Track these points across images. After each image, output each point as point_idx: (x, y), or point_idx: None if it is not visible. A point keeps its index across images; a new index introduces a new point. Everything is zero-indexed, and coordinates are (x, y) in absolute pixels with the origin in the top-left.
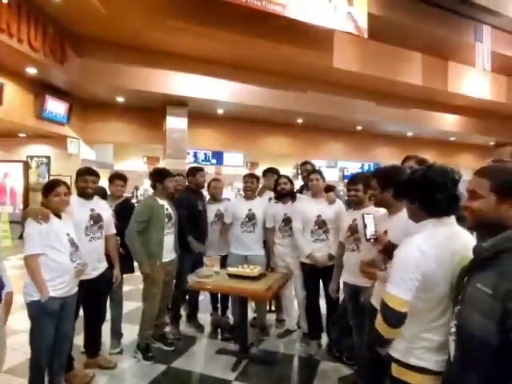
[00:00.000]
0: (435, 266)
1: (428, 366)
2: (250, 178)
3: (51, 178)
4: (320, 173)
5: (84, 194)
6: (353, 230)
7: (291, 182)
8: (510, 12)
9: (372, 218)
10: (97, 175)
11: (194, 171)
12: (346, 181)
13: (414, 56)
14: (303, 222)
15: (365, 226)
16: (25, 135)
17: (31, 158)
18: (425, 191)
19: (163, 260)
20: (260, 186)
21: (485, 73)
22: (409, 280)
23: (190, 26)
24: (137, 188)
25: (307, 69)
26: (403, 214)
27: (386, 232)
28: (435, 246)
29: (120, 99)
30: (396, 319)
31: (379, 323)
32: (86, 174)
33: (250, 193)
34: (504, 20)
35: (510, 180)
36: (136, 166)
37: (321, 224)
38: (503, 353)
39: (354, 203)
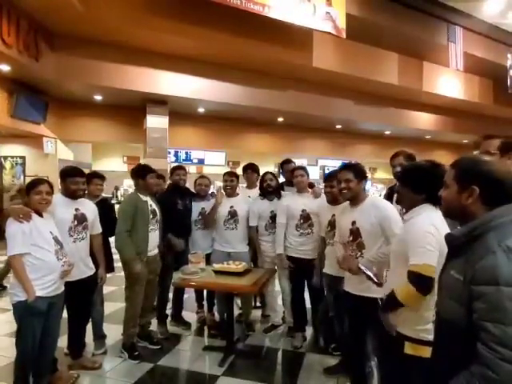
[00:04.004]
0: (443, 243)
1: None
2: (230, 176)
3: (27, 178)
4: (304, 169)
5: (75, 196)
6: (332, 225)
7: (276, 179)
8: (480, 14)
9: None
10: (84, 175)
11: (172, 170)
12: None
13: (390, 56)
14: (288, 216)
15: (368, 276)
16: None
17: (5, 158)
18: (434, 185)
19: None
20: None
21: (458, 73)
22: (433, 249)
23: (170, 23)
24: (117, 188)
25: (288, 68)
26: (365, 203)
27: (354, 222)
28: (439, 226)
29: (98, 97)
30: (429, 286)
31: (410, 294)
32: (77, 175)
33: (230, 191)
34: (475, 22)
35: (468, 168)
36: (115, 165)
37: (306, 218)
38: (468, 334)
39: (330, 199)
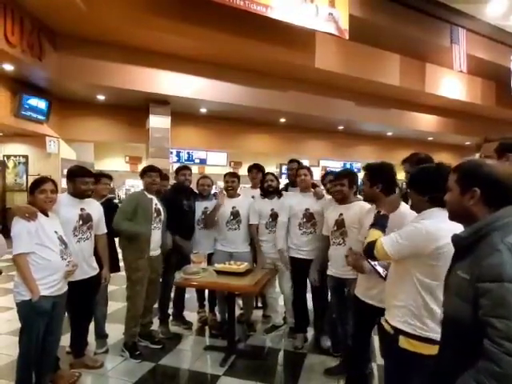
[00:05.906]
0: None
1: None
2: (231, 177)
3: (29, 178)
4: (308, 169)
5: (83, 196)
6: (339, 224)
7: (277, 179)
8: (483, 16)
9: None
10: (93, 175)
11: (177, 170)
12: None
13: (392, 57)
14: (291, 215)
15: (376, 271)
16: (1, 134)
17: (8, 157)
18: (437, 186)
19: (150, 255)
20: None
21: (460, 74)
22: (404, 245)
23: (173, 23)
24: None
25: (290, 68)
26: None
27: None
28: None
29: (101, 97)
30: (369, 256)
31: (382, 247)
32: (86, 175)
33: (232, 191)
34: (478, 23)
35: (469, 171)
36: (117, 165)
37: (309, 217)
38: (474, 332)
39: (338, 199)
